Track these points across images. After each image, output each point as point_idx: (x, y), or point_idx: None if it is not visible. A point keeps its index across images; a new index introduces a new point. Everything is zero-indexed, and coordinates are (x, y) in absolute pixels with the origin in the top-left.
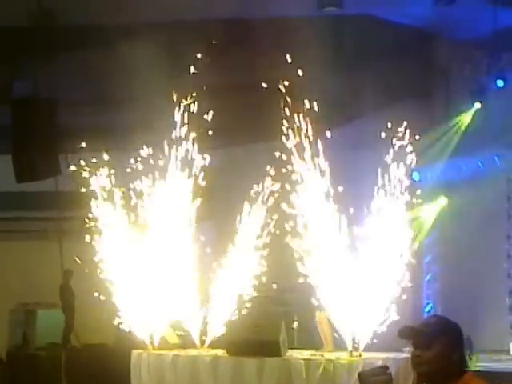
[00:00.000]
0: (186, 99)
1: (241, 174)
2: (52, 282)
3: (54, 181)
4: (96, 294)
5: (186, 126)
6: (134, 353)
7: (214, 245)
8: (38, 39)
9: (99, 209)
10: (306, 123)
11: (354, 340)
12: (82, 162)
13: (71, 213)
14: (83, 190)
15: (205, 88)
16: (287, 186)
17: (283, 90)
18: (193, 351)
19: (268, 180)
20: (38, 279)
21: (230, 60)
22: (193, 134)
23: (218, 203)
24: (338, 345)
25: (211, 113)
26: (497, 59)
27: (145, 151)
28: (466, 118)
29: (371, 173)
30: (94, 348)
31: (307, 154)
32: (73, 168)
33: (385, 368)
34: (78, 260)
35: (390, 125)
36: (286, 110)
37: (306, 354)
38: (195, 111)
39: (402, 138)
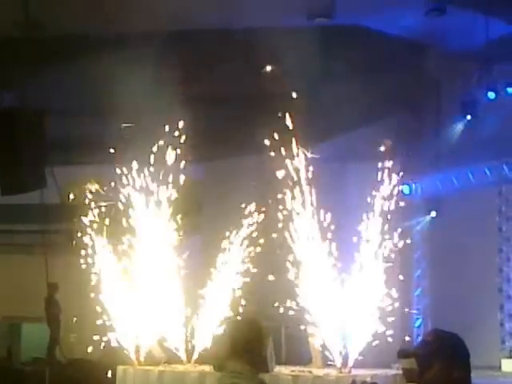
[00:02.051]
0: (173, 111)
1: (228, 188)
2: (37, 295)
3: (39, 193)
4: (82, 309)
5: (172, 138)
6: (120, 368)
7: (202, 259)
8: (25, 49)
9: (85, 223)
10: (294, 136)
11: (342, 356)
12: (68, 175)
13: (57, 226)
14: (69, 203)
15: (192, 99)
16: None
17: (271, 102)
18: (179, 367)
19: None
20: (23, 293)
21: (218, 71)
22: (180, 146)
23: (206, 218)
24: (327, 360)
25: (197, 125)
26: (488, 71)
27: (132, 164)
28: (456, 131)
29: (360, 186)
30: (79, 363)
31: (293, 166)
32: (59, 181)
33: None
34: (63, 274)
35: (380, 137)
36: (274, 122)
37: (294, 370)
38: (181, 123)
39: (392, 151)
